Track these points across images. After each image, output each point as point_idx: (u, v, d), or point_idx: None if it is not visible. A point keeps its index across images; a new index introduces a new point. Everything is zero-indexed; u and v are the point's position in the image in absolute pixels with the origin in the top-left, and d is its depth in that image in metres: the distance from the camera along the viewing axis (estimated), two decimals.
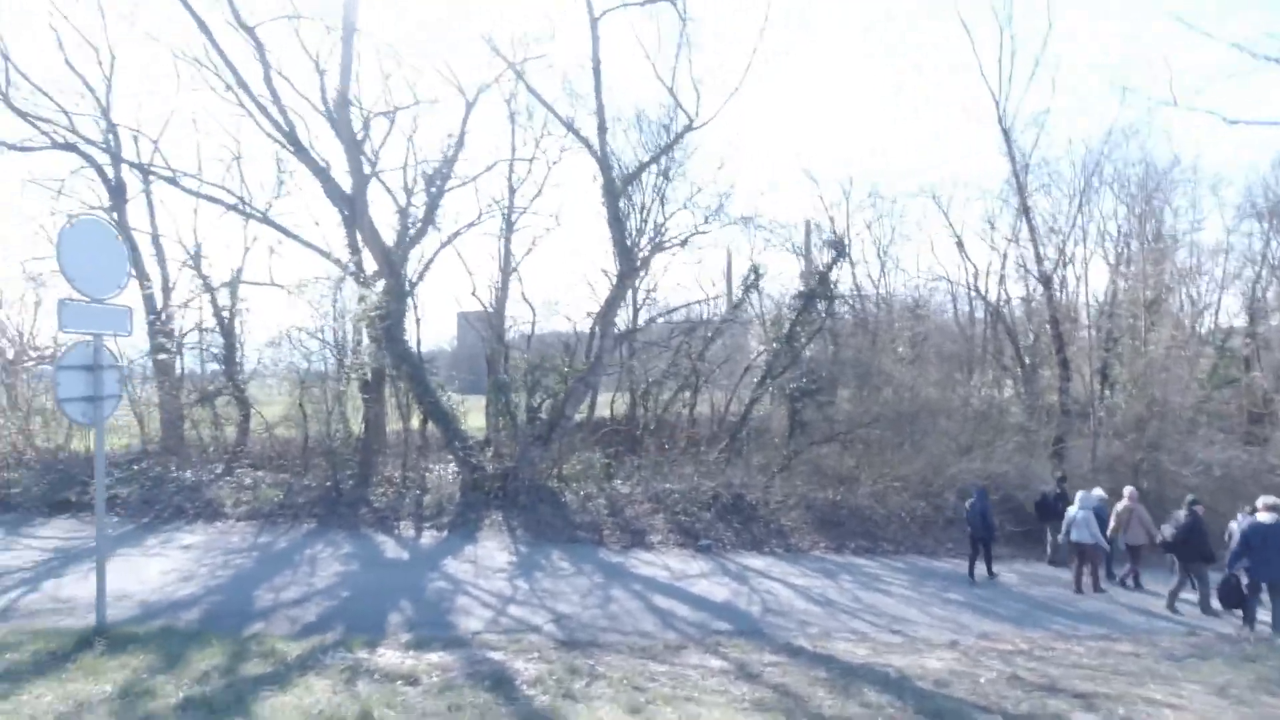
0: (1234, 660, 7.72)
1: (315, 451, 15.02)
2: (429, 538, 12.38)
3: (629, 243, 14.28)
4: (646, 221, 20.69)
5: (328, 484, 14.10)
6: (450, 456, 15.06)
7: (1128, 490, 12.91)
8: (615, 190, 13.82)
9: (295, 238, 14.69)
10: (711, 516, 14.76)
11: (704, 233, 16.01)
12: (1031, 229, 16.63)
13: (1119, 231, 24.07)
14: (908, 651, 7.67)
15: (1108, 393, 20.90)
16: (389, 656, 6.28)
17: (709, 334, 18.00)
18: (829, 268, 17.42)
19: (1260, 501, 10.05)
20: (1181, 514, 11.17)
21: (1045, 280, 17.04)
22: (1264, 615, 9.61)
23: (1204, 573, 10.89)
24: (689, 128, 16.32)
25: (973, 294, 26.34)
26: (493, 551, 11.60)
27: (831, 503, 15.50)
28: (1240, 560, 9.42)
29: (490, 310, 20.65)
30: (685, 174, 22.93)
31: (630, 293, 25.64)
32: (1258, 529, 9.34)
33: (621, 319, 22.64)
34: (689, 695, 5.82)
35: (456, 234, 20.47)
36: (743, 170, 46.38)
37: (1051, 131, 25.91)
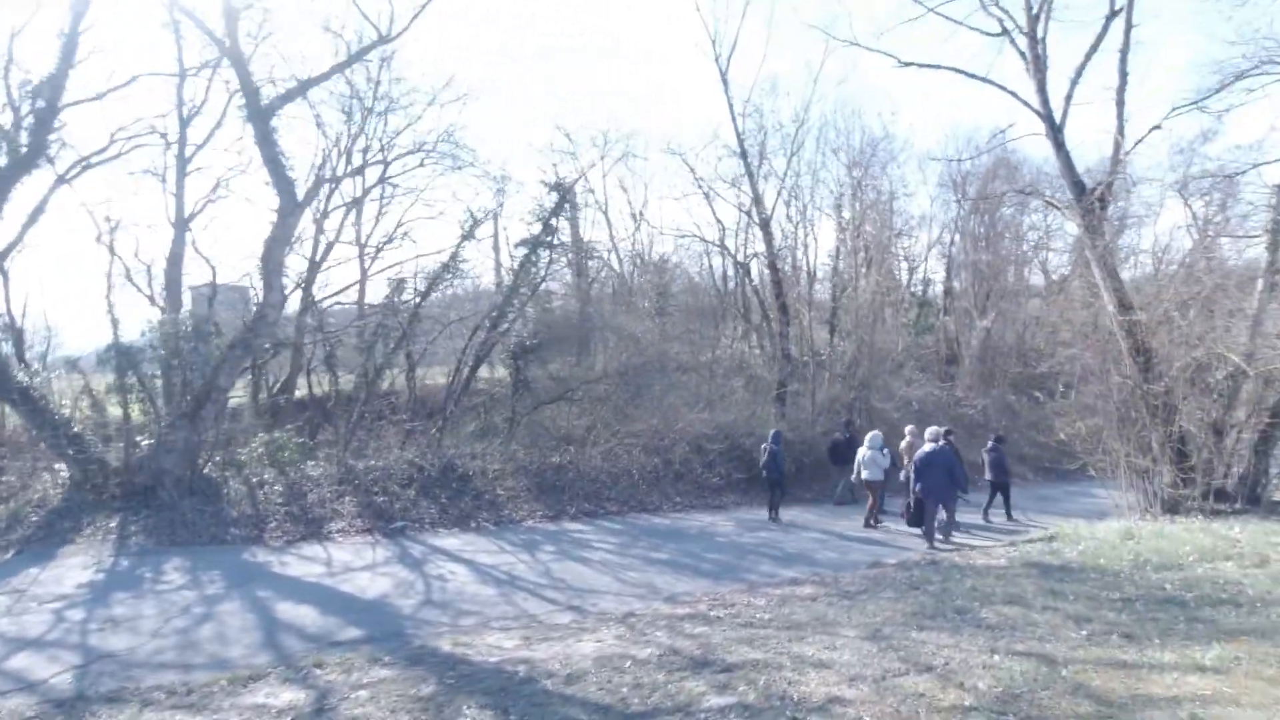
0: (902, 590, 7.44)
1: None
2: None
3: (289, 173, 11.47)
4: (346, 156, 17.84)
5: None
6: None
7: (908, 429, 13.07)
8: (259, 106, 10.92)
9: None
10: (415, 494, 12.77)
11: (378, 161, 13.55)
12: (750, 173, 16.58)
13: (842, 194, 25.81)
14: (567, 635, 6.35)
15: (838, 340, 22.30)
16: None
17: (420, 291, 15.71)
18: (553, 213, 15.92)
19: (926, 432, 11.13)
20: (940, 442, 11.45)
21: (764, 224, 17.14)
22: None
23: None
24: (382, 40, 13.81)
25: (722, 251, 26.65)
26: (67, 572, 8.57)
27: (556, 467, 14.22)
28: (916, 484, 10.39)
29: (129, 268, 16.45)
30: (411, 117, 19.90)
31: (360, 259, 22.44)
32: (923, 456, 10.34)
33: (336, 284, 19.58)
34: None
35: (86, 165, 16.03)
36: (493, 126, 43.70)
37: (783, 98, 26.81)
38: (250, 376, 17.56)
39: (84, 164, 16.10)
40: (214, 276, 17.75)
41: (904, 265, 30.19)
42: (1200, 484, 9.63)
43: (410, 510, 12.21)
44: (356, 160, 19.50)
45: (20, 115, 13.55)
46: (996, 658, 4.94)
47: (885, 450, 12.37)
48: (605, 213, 32.67)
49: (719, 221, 24.79)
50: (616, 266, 28.45)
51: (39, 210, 15.63)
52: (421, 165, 17.67)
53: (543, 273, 15.99)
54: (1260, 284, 9.85)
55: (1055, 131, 11.07)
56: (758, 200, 17.00)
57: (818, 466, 16.16)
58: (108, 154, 15.97)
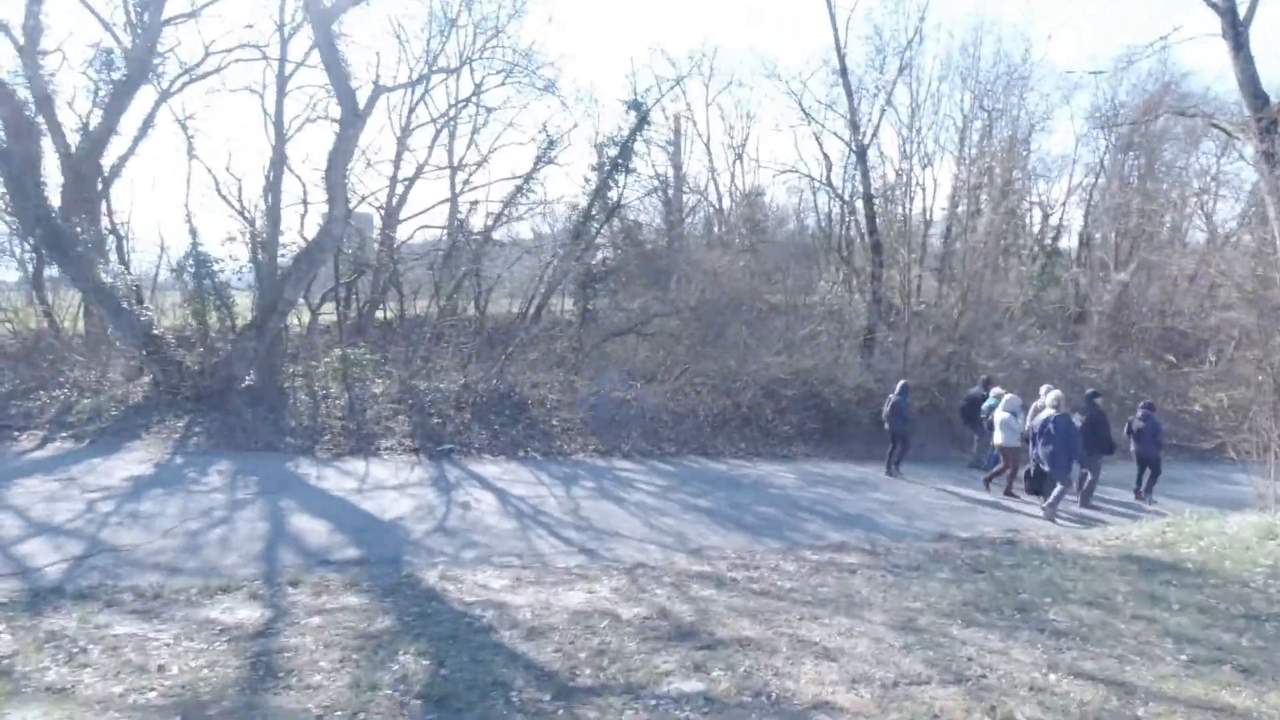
0: (962, 571, 6.35)
1: None
2: (51, 450, 9.48)
3: (352, 82, 11.06)
4: (429, 69, 17.37)
5: None
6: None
7: (1044, 389, 11.79)
8: (320, 7, 10.49)
9: None
10: (469, 418, 12.61)
11: (442, 71, 12.88)
12: (849, 93, 14.69)
13: (967, 127, 22.85)
14: (561, 582, 5.78)
15: (945, 290, 20.14)
16: None
17: (490, 220, 15.26)
18: (631, 135, 14.89)
19: (1048, 398, 10.45)
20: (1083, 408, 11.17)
21: (860, 151, 15.29)
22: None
23: (1098, 464, 10.92)
24: None
25: (828, 188, 24.50)
26: (123, 465, 8.89)
27: (618, 401, 13.64)
28: (1035, 451, 10.09)
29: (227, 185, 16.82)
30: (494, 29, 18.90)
31: (451, 182, 22.25)
32: (1040, 423, 9.98)
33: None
34: (65, 682, 3.58)
35: (188, 79, 16.39)
36: (590, 51, 42.00)
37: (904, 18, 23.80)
38: (336, 295, 17.90)
39: (186, 77, 16.54)
40: (304, 194, 17.99)
41: (1037, 212, 26.90)
42: None
43: (461, 434, 12.05)
44: (439, 75, 18.87)
45: (136, 34, 13.97)
46: (1053, 676, 3.88)
47: (1019, 415, 11.10)
48: (707, 145, 31.09)
49: (825, 156, 22.67)
50: (715, 201, 27.08)
51: (148, 123, 16.24)
52: (503, 85, 16.91)
53: (618, 197, 15.06)
54: None
55: (1236, 29, 8.79)
56: (854, 124, 15.15)
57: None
58: (206, 68, 16.22)
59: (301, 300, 18.57)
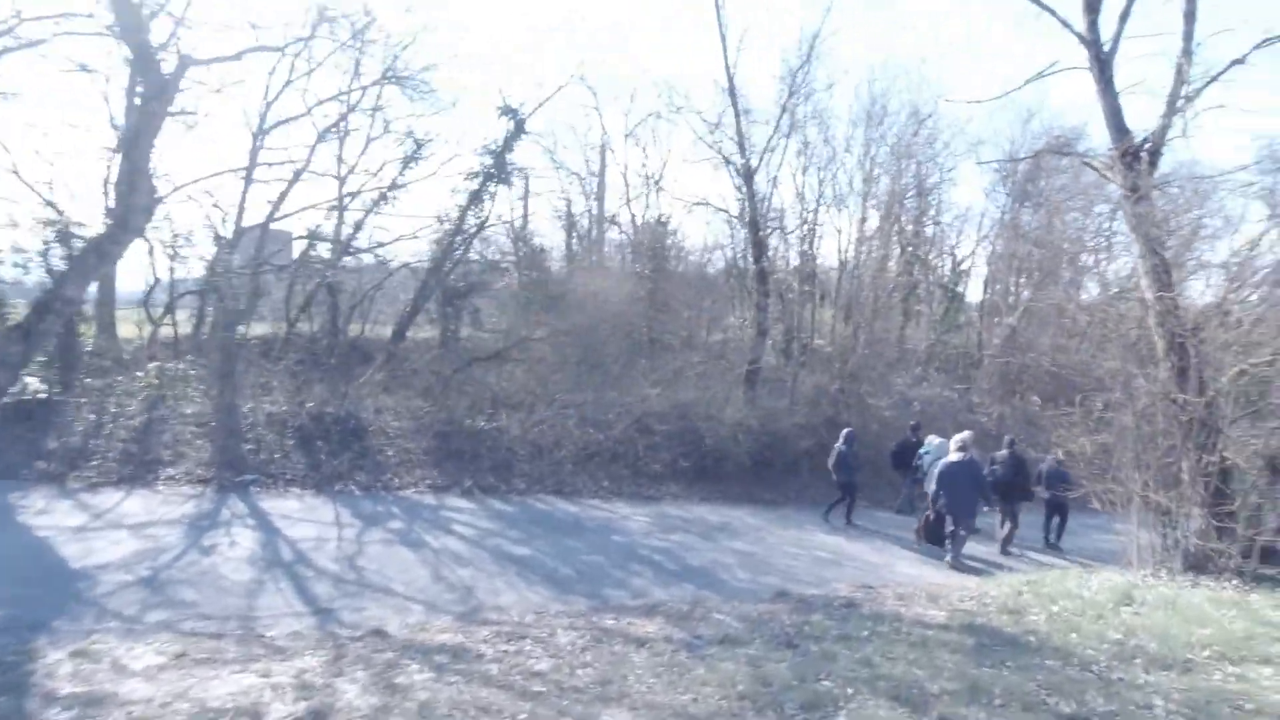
0: (771, 645, 5.23)
1: None
2: None
3: (154, 53, 9.56)
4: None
5: None
6: None
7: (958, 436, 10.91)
8: None
9: None
10: (292, 444, 11.03)
11: (260, 49, 11.51)
12: (735, 110, 14.06)
13: (875, 170, 22.82)
14: (234, 660, 4.38)
15: (845, 327, 19.72)
16: None
17: (351, 230, 13.86)
18: (507, 145, 13.83)
19: (952, 441, 9.81)
20: (1003, 454, 10.77)
21: (746, 175, 14.62)
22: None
23: (1017, 510, 10.55)
24: None
25: (742, 222, 23.82)
26: None
27: (472, 431, 12.26)
28: (939, 497, 9.26)
29: None
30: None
31: (340, 194, 20.49)
32: (948, 467, 9.20)
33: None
34: None
35: None
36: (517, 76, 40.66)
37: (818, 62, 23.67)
38: (170, 305, 15.89)
39: None
40: (153, 194, 16.01)
41: (947, 259, 27.25)
42: (1241, 537, 7.07)
43: (274, 463, 10.44)
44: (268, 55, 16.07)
45: None
46: None
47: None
48: (624, 175, 30.38)
49: (738, 190, 22.08)
50: (628, 231, 26.27)
51: None
52: (375, 84, 15.48)
53: (487, 211, 13.90)
54: None
55: (1101, 62, 8.39)
56: (741, 145, 14.50)
57: (790, 465, 13.90)
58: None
59: (142, 310, 16.57)
